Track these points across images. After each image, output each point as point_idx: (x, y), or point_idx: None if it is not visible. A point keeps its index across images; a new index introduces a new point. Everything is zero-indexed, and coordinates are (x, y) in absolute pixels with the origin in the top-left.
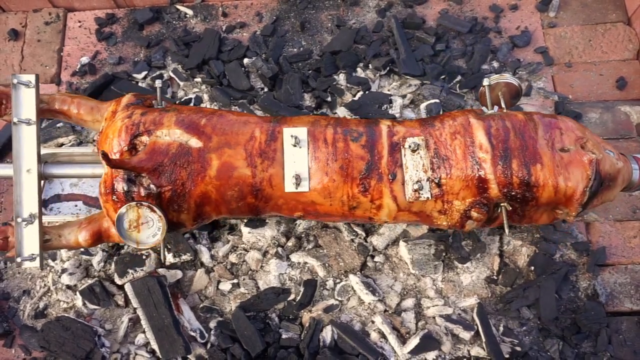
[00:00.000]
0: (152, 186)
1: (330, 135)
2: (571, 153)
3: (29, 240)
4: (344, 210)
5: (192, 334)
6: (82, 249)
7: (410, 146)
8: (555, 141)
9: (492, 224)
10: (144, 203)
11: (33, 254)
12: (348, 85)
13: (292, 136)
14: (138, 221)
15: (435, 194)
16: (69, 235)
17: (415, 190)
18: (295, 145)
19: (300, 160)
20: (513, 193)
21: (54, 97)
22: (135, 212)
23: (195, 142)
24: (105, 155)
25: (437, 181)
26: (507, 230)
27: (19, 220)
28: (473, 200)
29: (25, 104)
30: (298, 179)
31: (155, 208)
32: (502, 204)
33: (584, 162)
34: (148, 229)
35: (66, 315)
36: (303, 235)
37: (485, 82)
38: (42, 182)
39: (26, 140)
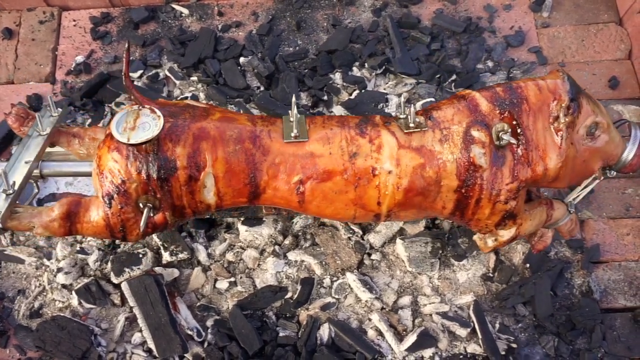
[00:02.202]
0: None
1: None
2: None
3: None
4: (344, 162)
5: (189, 332)
6: (77, 249)
7: (399, 114)
8: None
9: (502, 166)
10: (145, 106)
11: None
12: (344, 84)
13: (289, 112)
14: (135, 122)
15: (431, 125)
16: (43, 207)
17: (412, 124)
18: (293, 121)
19: (299, 126)
20: (502, 100)
21: (72, 126)
22: (134, 114)
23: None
24: (126, 60)
25: (429, 116)
26: (514, 142)
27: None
28: (469, 120)
29: (45, 122)
30: (297, 135)
31: (155, 109)
32: (500, 132)
33: (553, 71)
34: (143, 131)
35: (62, 314)
36: (300, 234)
37: None
38: (38, 186)
39: (35, 144)
